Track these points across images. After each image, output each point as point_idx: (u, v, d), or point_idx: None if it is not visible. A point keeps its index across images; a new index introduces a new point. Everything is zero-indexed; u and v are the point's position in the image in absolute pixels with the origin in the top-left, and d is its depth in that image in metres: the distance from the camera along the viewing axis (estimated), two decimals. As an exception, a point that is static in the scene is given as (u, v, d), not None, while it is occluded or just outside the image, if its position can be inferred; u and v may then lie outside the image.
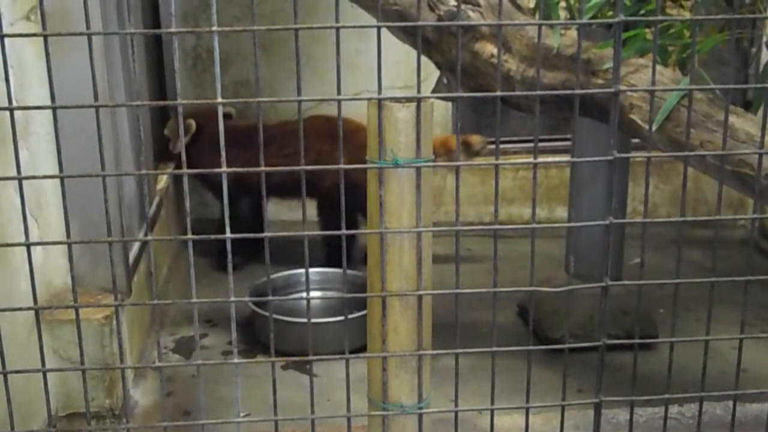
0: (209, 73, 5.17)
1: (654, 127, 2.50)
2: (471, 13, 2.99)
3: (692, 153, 2.42)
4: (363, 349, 1.91)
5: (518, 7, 3.08)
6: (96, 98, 1.49)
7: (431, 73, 3.14)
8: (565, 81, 2.80)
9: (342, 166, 1.55)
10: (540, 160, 1.61)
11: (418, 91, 1.59)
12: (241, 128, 4.12)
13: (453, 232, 1.62)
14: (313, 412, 1.71)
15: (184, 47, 5.16)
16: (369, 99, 1.66)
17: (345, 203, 1.59)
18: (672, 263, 1.74)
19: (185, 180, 1.54)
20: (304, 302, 1.66)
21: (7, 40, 1.44)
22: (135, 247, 3.37)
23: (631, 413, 1.86)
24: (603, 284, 1.68)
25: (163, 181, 4.38)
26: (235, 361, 1.67)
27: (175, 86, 1.54)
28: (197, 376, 1.64)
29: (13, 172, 1.52)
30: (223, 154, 1.52)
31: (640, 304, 1.83)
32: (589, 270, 2.54)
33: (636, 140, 2.92)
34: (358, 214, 3.95)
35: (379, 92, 1.57)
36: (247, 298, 3.76)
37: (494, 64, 2.93)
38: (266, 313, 3.50)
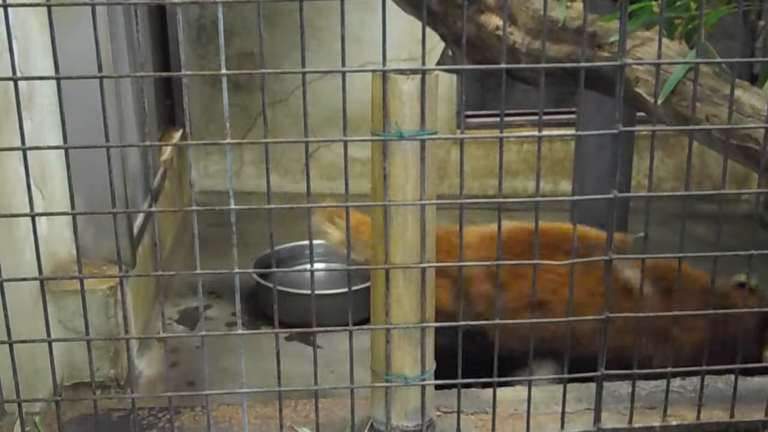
0: (213, 45, 5.15)
1: (659, 101, 2.48)
2: (477, -15, 2.96)
3: (697, 127, 2.41)
4: (366, 321, 1.92)
5: (524, -21, 3.05)
6: (100, 69, 1.49)
7: (436, 45, 3.12)
8: (571, 54, 2.78)
9: (346, 138, 1.55)
10: (545, 133, 1.61)
11: (423, 63, 1.58)
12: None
13: (457, 206, 1.62)
14: (316, 383, 1.73)
15: (188, 18, 5.14)
16: (373, 71, 1.65)
17: None
18: (676, 237, 1.75)
19: (189, 152, 1.54)
20: (308, 274, 1.66)
21: (10, 10, 1.44)
22: (139, 219, 3.38)
23: (633, 386, 1.87)
24: (606, 258, 1.68)
25: (167, 152, 4.38)
26: (239, 332, 1.68)
27: (179, 57, 1.53)
28: (201, 347, 1.65)
29: (18, 143, 1.52)
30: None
31: (644, 278, 1.83)
32: (592, 244, 2.54)
33: (641, 114, 2.91)
34: None
35: (384, 64, 1.56)
36: (251, 270, 3.77)
37: (499, 36, 2.91)
38: (270, 285, 3.52)
